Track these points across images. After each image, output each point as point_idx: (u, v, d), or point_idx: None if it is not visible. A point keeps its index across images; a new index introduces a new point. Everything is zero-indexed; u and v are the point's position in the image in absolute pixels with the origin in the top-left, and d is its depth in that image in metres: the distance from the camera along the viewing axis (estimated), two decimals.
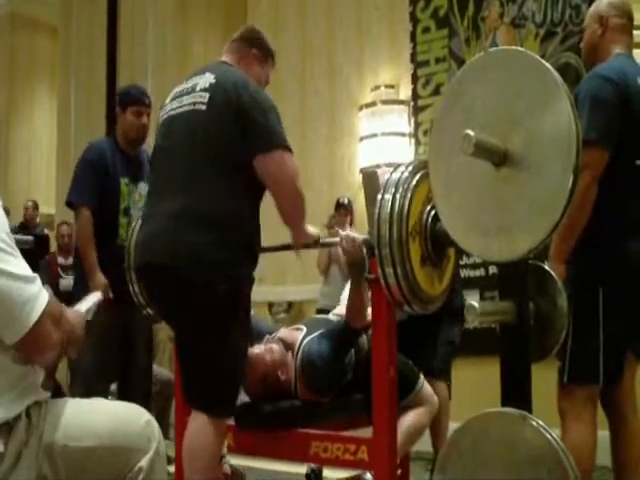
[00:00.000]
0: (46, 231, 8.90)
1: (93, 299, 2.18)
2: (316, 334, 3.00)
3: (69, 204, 4.24)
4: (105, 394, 4.03)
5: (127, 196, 4.16)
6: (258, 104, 2.66)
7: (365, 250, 2.73)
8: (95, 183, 4.12)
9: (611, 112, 2.83)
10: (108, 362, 4.10)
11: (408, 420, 3.01)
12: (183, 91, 2.78)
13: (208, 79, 2.73)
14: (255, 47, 2.97)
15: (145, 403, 4.07)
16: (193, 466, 2.58)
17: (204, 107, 2.66)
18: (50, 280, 7.27)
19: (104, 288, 3.89)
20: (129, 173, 4.21)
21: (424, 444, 3.31)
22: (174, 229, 2.61)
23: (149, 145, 4.66)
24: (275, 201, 2.71)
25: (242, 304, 2.67)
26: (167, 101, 2.85)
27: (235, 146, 2.63)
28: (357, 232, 2.89)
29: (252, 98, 2.66)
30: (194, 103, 2.69)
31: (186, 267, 2.58)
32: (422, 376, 3.17)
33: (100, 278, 3.99)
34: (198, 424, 2.59)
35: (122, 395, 4.17)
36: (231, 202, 2.64)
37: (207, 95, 2.67)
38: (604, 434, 3.05)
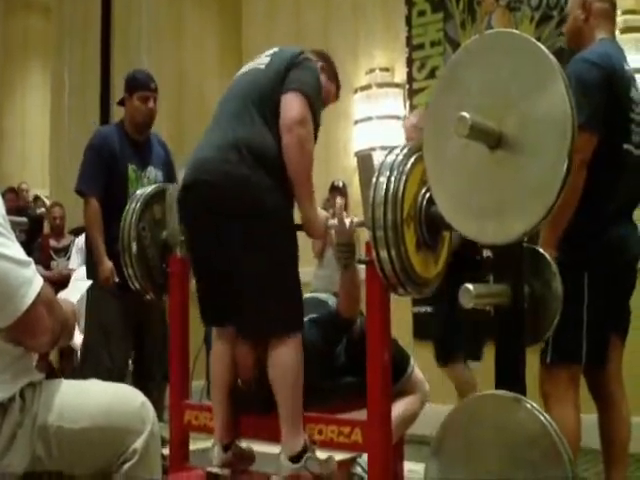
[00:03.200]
0: (42, 209, 8.88)
1: (83, 287, 2.19)
2: (305, 320, 3.01)
3: (78, 192, 4.30)
4: (121, 376, 4.06)
5: (135, 182, 4.22)
6: (305, 66, 2.89)
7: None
8: (102, 170, 4.20)
9: (598, 96, 2.85)
10: (121, 344, 4.15)
11: (400, 407, 3.02)
12: (255, 58, 3.05)
13: (273, 49, 3.03)
14: (324, 61, 3.14)
15: (161, 386, 4.12)
16: (280, 385, 2.75)
17: (263, 66, 2.92)
18: (42, 262, 7.28)
19: (110, 274, 3.97)
20: (137, 159, 4.27)
21: (419, 427, 3.31)
22: (217, 157, 2.79)
23: (157, 130, 4.69)
24: (282, 144, 2.78)
25: (286, 224, 2.82)
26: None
27: (277, 90, 2.82)
28: (354, 216, 2.89)
29: (304, 60, 2.91)
30: (257, 64, 2.96)
31: (231, 184, 2.74)
32: (412, 360, 3.18)
33: (107, 265, 4.08)
34: (275, 353, 2.75)
35: (137, 378, 4.22)
36: (269, 138, 2.78)
37: (268, 59, 2.95)
38: (595, 417, 3.07)
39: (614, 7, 3.19)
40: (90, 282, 2.39)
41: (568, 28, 3.22)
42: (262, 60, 2.96)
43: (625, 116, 2.97)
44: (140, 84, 4.33)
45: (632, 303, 3.12)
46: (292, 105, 2.77)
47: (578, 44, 3.13)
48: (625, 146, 2.96)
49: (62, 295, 2.14)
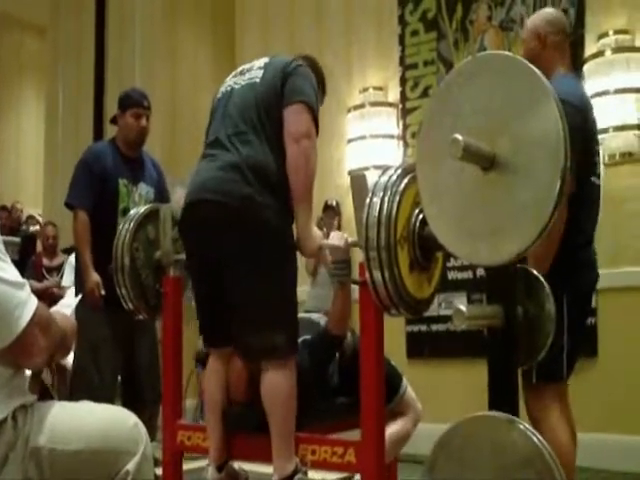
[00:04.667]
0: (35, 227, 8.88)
1: (70, 304, 2.20)
2: (299, 342, 3.00)
3: (67, 205, 4.28)
4: (110, 398, 4.03)
5: (126, 197, 4.22)
6: (300, 73, 2.90)
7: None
8: (92, 184, 4.18)
9: (579, 140, 2.91)
10: (111, 365, 4.13)
11: (393, 427, 3.02)
12: (243, 70, 3.03)
13: (263, 60, 3.02)
14: (313, 68, 3.09)
15: (153, 408, 4.10)
16: (272, 409, 2.75)
17: (258, 79, 2.91)
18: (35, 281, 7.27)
19: (96, 286, 3.96)
20: (128, 174, 4.26)
21: (413, 446, 3.31)
22: (222, 177, 2.78)
23: (151, 148, 4.70)
24: (287, 155, 2.79)
25: (290, 246, 2.83)
26: (226, 79, 3.09)
27: (277, 103, 2.83)
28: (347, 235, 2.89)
29: (297, 67, 2.92)
30: (250, 78, 2.95)
31: (237, 203, 2.73)
32: (405, 380, 3.18)
33: (92, 276, 4.06)
34: (269, 375, 2.76)
35: (126, 399, 4.20)
36: (273, 158, 2.79)
37: (261, 71, 2.94)
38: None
39: (567, 37, 3.30)
40: (78, 299, 2.41)
41: (524, 57, 3.29)
42: (255, 73, 2.95)
43: (592, 150, 3.12)
44: (133, 101, 4.34)
45: None
46: (299, 117, 2.79)
47: None
48: (592, 179, 3.12)
49: (57, 308, 2.13)
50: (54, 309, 2.12)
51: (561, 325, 2.90)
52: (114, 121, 4.44)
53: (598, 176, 3.18)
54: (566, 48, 3.29)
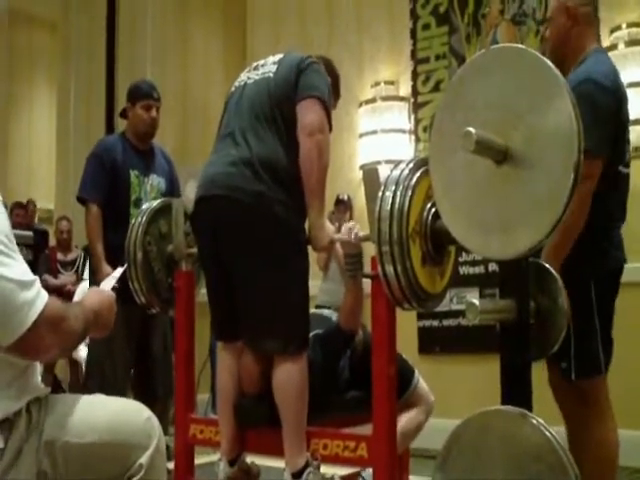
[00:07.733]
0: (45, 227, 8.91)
1: (115, 275, 2.21)
2: (310, 337, 3.00)
3: (79, 199, 4.30)
4: (123, 392, 4.04)
5: (137, 187, 4.24)
6: (314, 69, 2.92)
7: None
8: (103, 177, 4.21)
9: (609, 122, 2.79)
10: (125, 359, 4.14)
11: (404, 419, 3.02)
12: (257, 65, 3.04)
13: (278, 56, 3.04)
14: (328, 70, 3.09)
15: (165, 401, 4.11)
16: (284, 403, 2.76)
17: (272, 74, 2.92)
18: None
19: None
20: (140, 165, 4.29)
21: (425, 441, 3.30)
22: (233, 172, 2.79)
23: (162, 141, 4.71)
24: (300, 149, 2.79)
25: (301, 242, 2.84)
26: (241, 75, 3.10)
27: (290, 98, 2.84)
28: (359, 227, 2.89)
29: (312, 64, 2.93)
30: (264, 73, 2.96)
31: (248, 199, 2.74)
32: (417, 373, 3.18)
33: (105, 269, 4.07)
34: (281, 370, 2.77)
35: (138, 395, 4.20)
36: (284, 153, 2.81)
37: (275, 67, 2.96)
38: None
39: (596, 10, 3.08)
40: (123, 268, 2.42)
41: (553, 37, 3.06)
42: (269, 68, 2.96)
43: (624, 137, 2.93)
44: (143, 93, 4.35)
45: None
46: (312, 111, 2.79)
47: (564, 53, 2.99)
48: (620, 168, 2.93)
49: (102, 285, 2.13)
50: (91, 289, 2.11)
51: (591, 316, 2.82)
52: (123, 115, 4.45)
53: (626, 165, 2.98)
54: (594, 21, 3.04)
